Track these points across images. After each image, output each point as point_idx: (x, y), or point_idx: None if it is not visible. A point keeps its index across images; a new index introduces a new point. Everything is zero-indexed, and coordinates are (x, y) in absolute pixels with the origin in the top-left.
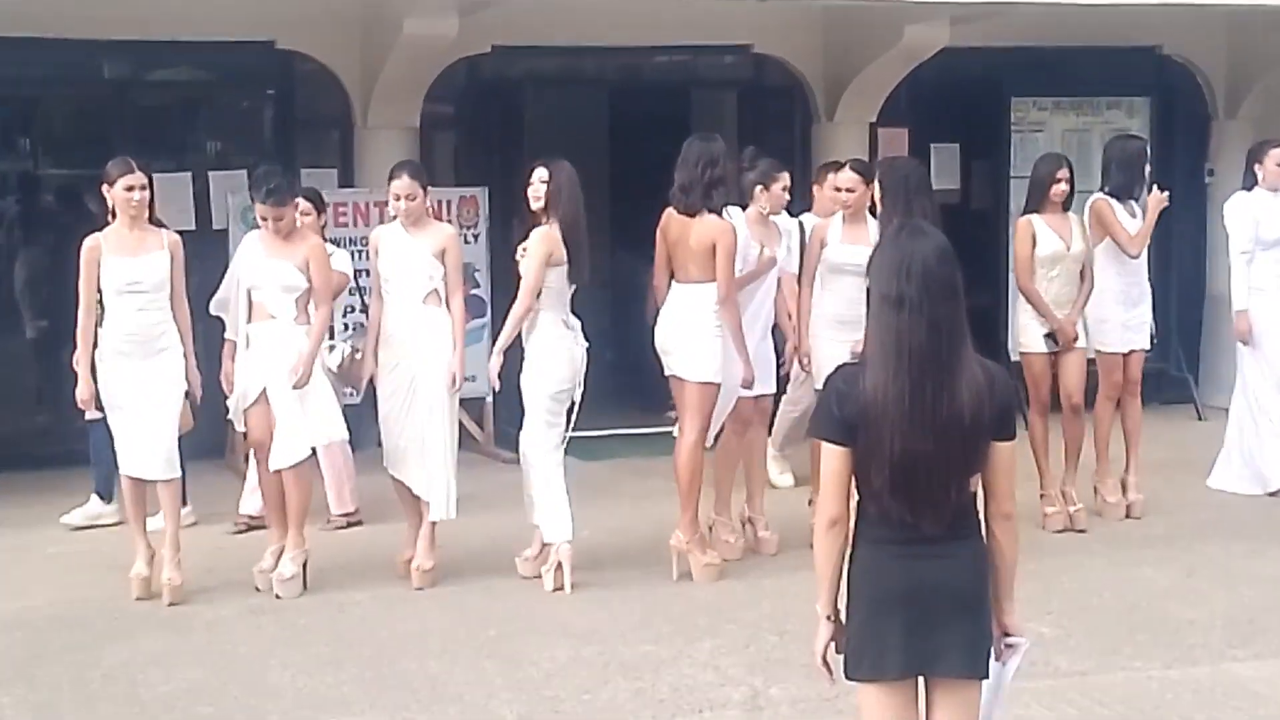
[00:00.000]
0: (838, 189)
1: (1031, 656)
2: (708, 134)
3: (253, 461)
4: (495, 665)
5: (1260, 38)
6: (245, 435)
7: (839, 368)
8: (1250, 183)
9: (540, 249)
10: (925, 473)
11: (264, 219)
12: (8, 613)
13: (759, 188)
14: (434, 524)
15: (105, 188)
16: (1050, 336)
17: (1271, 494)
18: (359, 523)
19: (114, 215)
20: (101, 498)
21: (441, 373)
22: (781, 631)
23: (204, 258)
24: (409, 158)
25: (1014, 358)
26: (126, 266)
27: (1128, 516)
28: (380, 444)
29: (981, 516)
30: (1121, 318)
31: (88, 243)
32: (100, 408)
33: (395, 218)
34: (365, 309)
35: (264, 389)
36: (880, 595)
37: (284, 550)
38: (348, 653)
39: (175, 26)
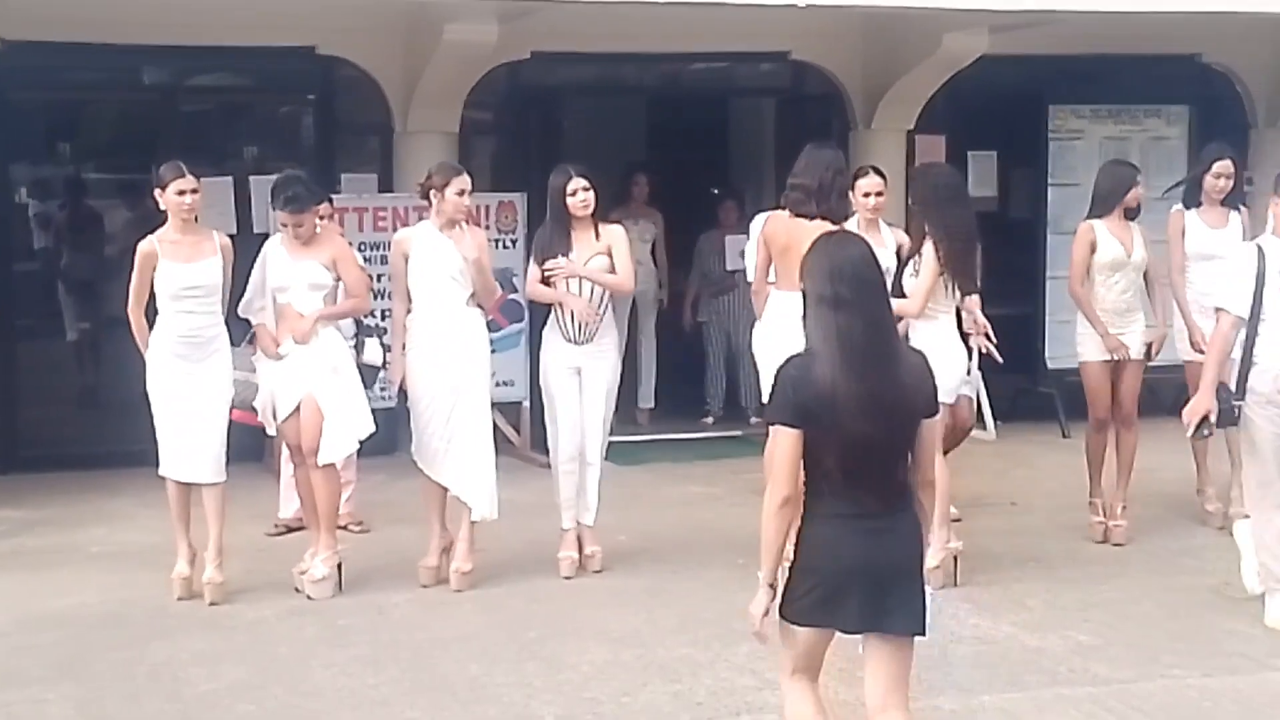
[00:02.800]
0: (866, 194)
1: (1071, 664)
2: (826, 141)
3: (287, 465)
4: (535, 667)
5: None
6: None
7: (790, 359)
8: None
9: None
10: (874, 454)
11: (284, 225)
12: (54, 610)
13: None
14: (473, 525)
15: (158, 191)
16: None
17: None
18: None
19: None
20: None
21: (483, 374)
22: None
23: (245, 261)
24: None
25: (1053, 365)
26: (182, 271)
27: (1207, 525)
28: (411, 449)
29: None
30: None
31: (143, 246)
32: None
33: (427, 220)
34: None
35: (302, 397)
36: (837, 566)
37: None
38: (387, 654)
39: (218, 32)
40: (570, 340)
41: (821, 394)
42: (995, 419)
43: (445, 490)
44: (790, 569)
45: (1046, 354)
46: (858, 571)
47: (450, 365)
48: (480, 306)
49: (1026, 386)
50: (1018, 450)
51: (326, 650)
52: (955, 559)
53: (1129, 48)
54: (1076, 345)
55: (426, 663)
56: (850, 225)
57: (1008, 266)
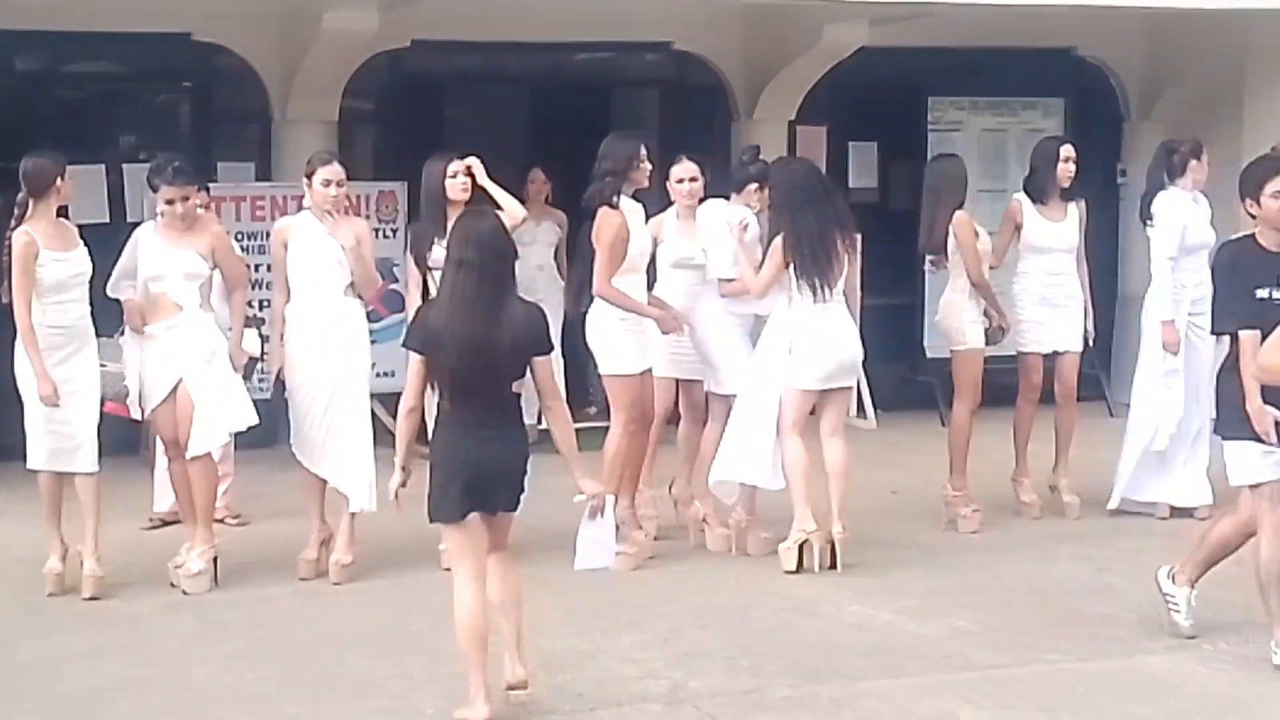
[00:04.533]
0: (679, 180)
1: (949, 650)
2: (632, 131)
3: (162, 458)
4: (417, 660)
5: (1173, 40)
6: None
7: (426, 304)
8: (1159, 185)
9: None
10: (479, 381)
11: (170, 202)
12: None
13: (753, 185)
14: (353, 517)
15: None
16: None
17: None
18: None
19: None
20: None
21: (362, 365)
22: (704, 625)
23: (117, 250)
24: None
25: (932, 354)
26: (62, 262)
27: (1065, 517)
28: (290, 441)
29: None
30: (1039, 318)
31: (20, 239)
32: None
33: (308, 209)
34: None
35: (174, 384)
36: (456, 465)
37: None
38: (267, 648)
39: (92, 18)
40: None
41: (438, 332)
42: (875, 408)
43: (324, 482)
44: (430, 472)
45: (925, 343)
46: (470, 466)
47: (328, 356)
48: (360, 297)
49: (906, 375)
50: (898, 439)
51: (205, 645)
52: (834, 545)
53: (1006, 41)
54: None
55: (307, 657)
56: (639, 213)
57: (888, 256)
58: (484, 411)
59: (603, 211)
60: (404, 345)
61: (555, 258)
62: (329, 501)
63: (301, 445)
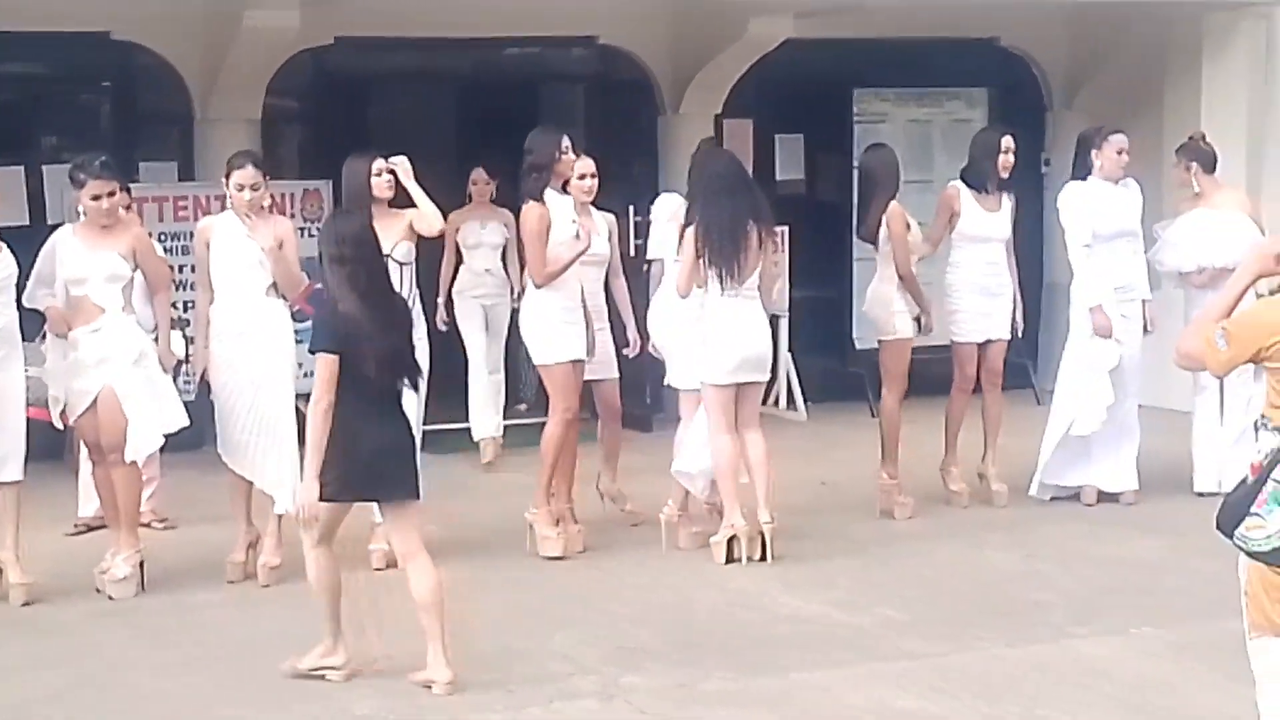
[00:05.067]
0: (581, 176)
1: (882, 640)
2: (552, 126)
3: (86, 463)
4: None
5: (1095, 30)
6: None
7: (328, 306)
8: (1083, 172)
9: None
10: (387, 371)
11: (96, 197)
12: None
13: None
14: (280, 519)
15: None
16: (917, 320)
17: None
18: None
19: None
20: None
21: (285, 365)
22: (638, 620)
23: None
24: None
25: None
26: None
27: (993, 505)
28: (216, 443)
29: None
30: (977, 307)
31: None
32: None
33: (229, 210)
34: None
35: (100, 389)
36: (362, 451)
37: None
38: (202, 653)
39: (9, 17)
40: None
41: (352, 328)
42: (806, 400)
43: (251, 484)
44: (324, 459)
45: (854, 334)
46: (377, 454)
47: (251, 356)
48: (284, 297)
49: (836, 367)
50: (827, 431)
51: (139, 652)
52: (763, 536)
53: (930, 32)
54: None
55: (242, 661)
56: (567, 206)
57: (816, 248)
58: (386, 401)
59: (524, 206)
60: (315, 349)
61: (503, 259)
62: (256, 503)
63: (227, 447)
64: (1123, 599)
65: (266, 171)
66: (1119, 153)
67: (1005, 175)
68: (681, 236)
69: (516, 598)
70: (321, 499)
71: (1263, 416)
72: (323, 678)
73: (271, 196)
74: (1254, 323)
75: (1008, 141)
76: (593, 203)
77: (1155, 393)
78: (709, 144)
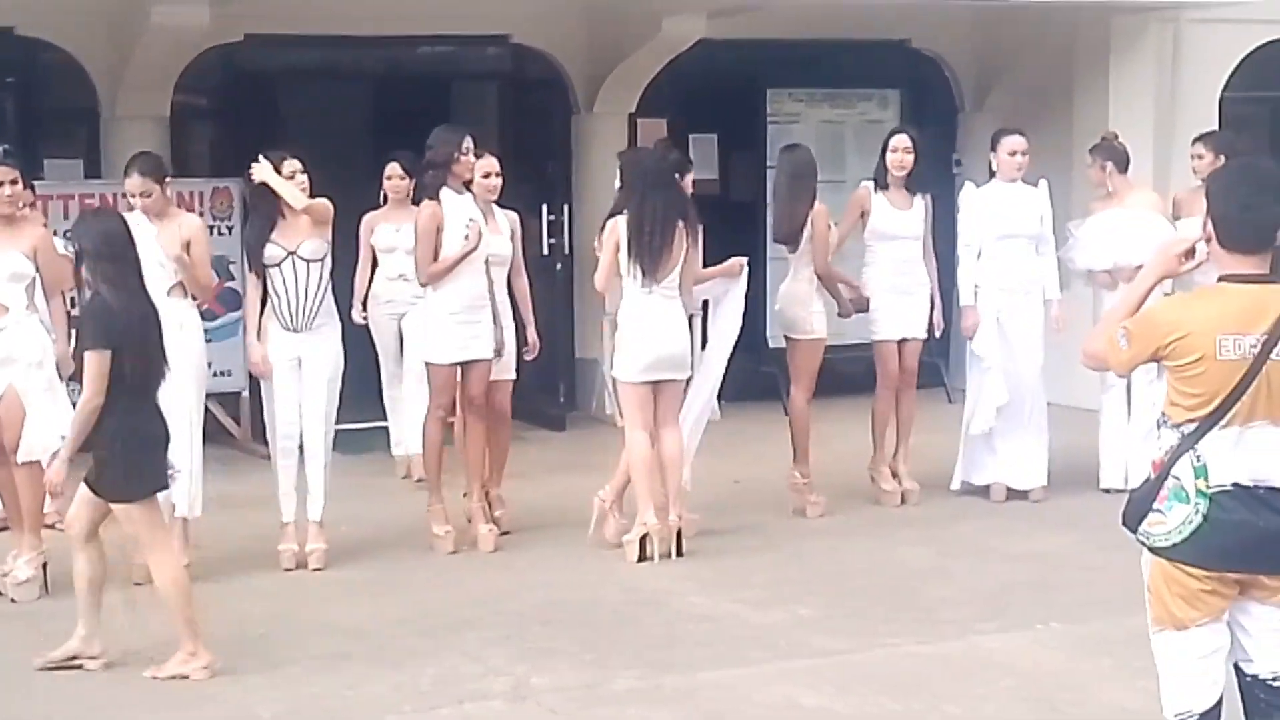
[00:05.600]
0: (486, 174)
1: (792, 638)
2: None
3: None
4: (254, 664)
5: (1002, 32)
6: None
7: (96, 303)
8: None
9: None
10: (156, 365)
11: None
12: None
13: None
14: (185, 522)
15: None
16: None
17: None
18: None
19: None
20: None
21: (188, 366)
22: (547, 621)
23: None
24: (152, 149)
25: (774, 345)
26: None
27: (903, 503)
28: None
29: None
30: (891, 305)
31: None
32: None
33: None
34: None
35: (2, 391)
36: (149, 445)
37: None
38: (102, 656)
39: None
40: (289, 329)
41: (128, 323)
42: (720, 399)
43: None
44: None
45: (768, 334)
46: (161, 445)
47: None
48: (193, 296)
49: (750, 366)
50: (742, 429)
51: (35, 656)
52: (679, 533)
53: (842, 33)
54: (813, 321)
55: (144, 664)
56: (464, 205)
57: (729, 248)
58: (153, 395)
59: (421, 205)
60: (89, 347)
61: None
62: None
63: None
64: (1029, 595)
65: (162, 174)
66: (1010, 154)
67: (900, 174)
68: (602, 228)
69: (424, 598)
70: (135, 500)
71: (1163, 414)
72: (80, 667)
73: (179, 194)
74: (1152, 321)
75: (897, 140)
76: (502, 201)
77: (1064, 391)
78: (665, 144)
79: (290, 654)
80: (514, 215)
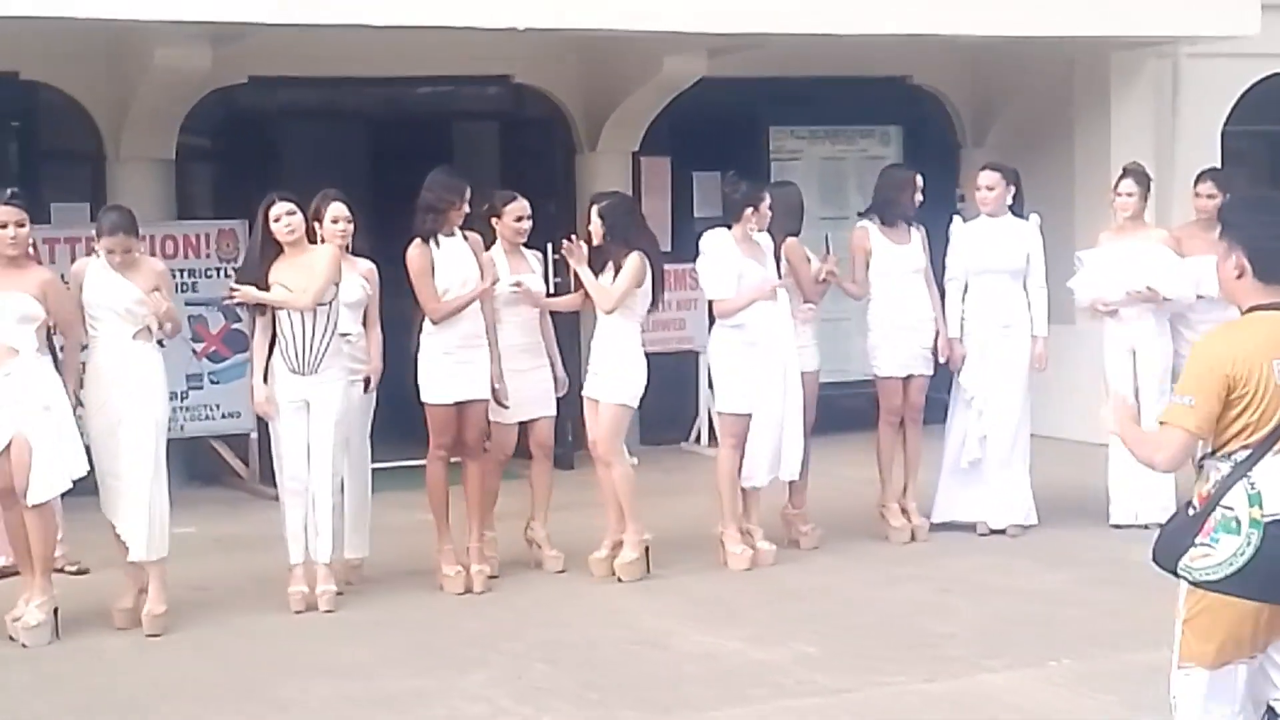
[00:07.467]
0: (518, 219)
1: (797, 676)
2: (449, 167)
3: None
4: (256, 708)
5: (1001, 68)
6: None
7: None
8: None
9: None
10: None
11: (2, 225)
12: None
13: (749, 209)
14: (162, 565)
15: None
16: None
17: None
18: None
19: None
20: None
21: (150, 410)
22: (552, 660)
23: None
24: (156, 191)
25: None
26: None
27: (912, 540)
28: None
29: None
30: (894, 341)
31: None
32: None
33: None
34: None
35: (12, 436)
36: None
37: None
38: (102, 701)
39: None
40: (296, 371)
41: None
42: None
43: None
44: None
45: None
46: None
47: (116, 402)
48: (160, 342)
49: None
50: None
51: (37, 700)
52: (647, 550)
53: (842, 70)
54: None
55: (142, 709)
56: (457, 245)
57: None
58: None
59: (410, 246)
60: None
61: (364, 322)
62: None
63: (102, 492)
64: (1034, 631)
65: (137, 228)
66: (978, 189)
67: (913, 211)
68: (620, 261)
69: (426, 638)
70: None
71: (1208, 448)
72: None
73: (185, 237)
74: (1206, 363)
75: (919, 180)
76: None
77: (1052, 423)
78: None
79: (292, 696)
80: (538, 254)
